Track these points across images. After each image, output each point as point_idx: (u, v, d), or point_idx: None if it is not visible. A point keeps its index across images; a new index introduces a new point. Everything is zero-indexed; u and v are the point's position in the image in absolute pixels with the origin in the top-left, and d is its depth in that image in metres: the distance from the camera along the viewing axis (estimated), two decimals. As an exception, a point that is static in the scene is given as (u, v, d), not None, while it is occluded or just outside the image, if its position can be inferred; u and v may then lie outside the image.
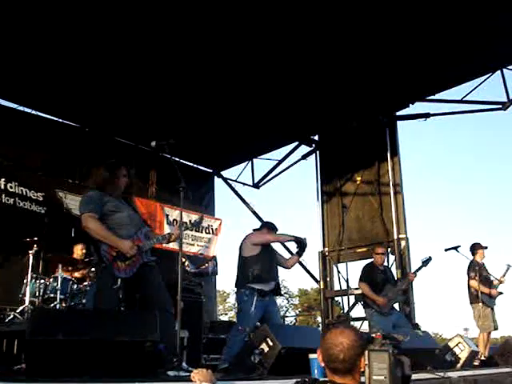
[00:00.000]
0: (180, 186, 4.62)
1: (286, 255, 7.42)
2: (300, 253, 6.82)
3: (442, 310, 68.89)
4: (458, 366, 6.63)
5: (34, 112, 10.65)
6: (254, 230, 6.98)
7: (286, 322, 31.13)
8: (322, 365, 2.62)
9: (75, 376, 2.80)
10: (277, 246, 7.10)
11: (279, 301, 44.45)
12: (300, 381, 2.63)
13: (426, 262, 8.09)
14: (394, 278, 8.61)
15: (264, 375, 4.24)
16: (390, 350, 2.34)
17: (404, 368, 2.48)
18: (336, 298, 12.41)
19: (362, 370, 2.41)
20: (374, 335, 2.54)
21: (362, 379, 2.42)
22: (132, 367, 3.35)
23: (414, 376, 4.73)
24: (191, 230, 11.72)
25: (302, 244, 6.74)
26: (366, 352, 2.35)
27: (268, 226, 6.91)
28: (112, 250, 4.61)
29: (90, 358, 3.26)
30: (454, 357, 6.72)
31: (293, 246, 7.07)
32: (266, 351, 4.43)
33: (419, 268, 8.15)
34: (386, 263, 8.82)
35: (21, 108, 10.45)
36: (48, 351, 3.28)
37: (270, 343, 4.42)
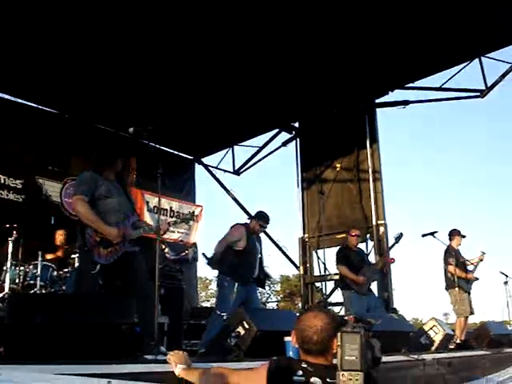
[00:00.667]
0: (157, 172, 4.63)
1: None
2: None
3: (421, 295, 69.65)
4: (433, 348, 6.75)
5: (12, 98, 10.54)
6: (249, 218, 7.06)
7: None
8: (296, 346, 2.70)
9: (53, 358, 2.85)
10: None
11: (261, 287, 44.65)
12: (275, 359, 2.70)
13: (398, 239, 8.30)
14: (368, 259, 8.78)
15: (240, 357, 4.33)
16: (361, 332, 2.40)
17: (374, 350, 2.54)
18: (317, 284, 12.53)
19: (335, 351, 2.47)
20: (346, 318, 2.61)
21: (334, 361, 2.49)
22: (109, 349, 3.40)
23: (390, 358, 4.86)
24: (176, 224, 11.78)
25: None
26: (339, 334, 2.41)
27: (256, 217, 6.98)
28: (96, 235, 4.64)
29: (68, 341, 3.32)
30: (429, 340, 6.85)
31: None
32: (242, 334, 4.51)
33: (392, 245, 8.33)
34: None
35: (0, 95, 10.35)
36: (26, 334, 3.32)
37: (246, 326, 4.50)
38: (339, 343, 2.39)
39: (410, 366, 5.05)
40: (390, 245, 8.42)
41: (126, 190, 5.21)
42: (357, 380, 2.34)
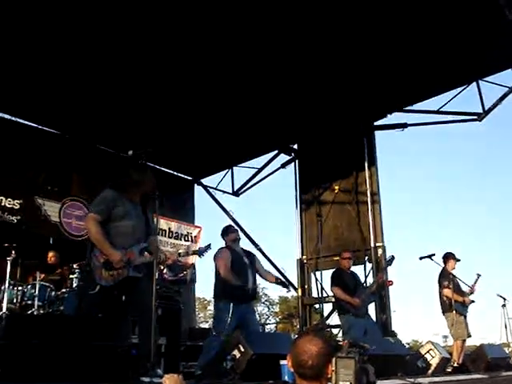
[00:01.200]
0: (155, 194, 4.68)
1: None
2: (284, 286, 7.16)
3: (422, 317, 69.31)
4: (429, 372, 6.75)
5: (13, 118, 10.61)
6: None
7: (267, 330, 31.15)
8: (292, 370, 2.71)
9: (49, 379, 2.87)
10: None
11: (260, 308, 44.52)
12: (272, 383, 2.71)
13: (389, 261, 8.47)
14: (361, 281, 8.71)
15: (235, 380, 4.33)
16: (356, 357, 2.43)
17: (369, 375, 2.57)
18: (316, 306, 12.51)
19: (329, 376, 2.49)
20: (341, 343, 2.63)
21: (329, 385, 2.51)
22: (105, 371, 3.42)
23: (386, 382, 4.85)
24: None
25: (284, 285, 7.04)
26: (334, 359, 2.43)
27: (225, 233, 7.04)
28: (101, 257, 4.67)
29: (63, 362, 3.33)
30: (426, 363, 6.85)
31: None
32: (237, 357, 4.52)
33: (384, 268, 8.39)
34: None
35: (0, 114, 10.42)
36: (22, 355, 3.33)
37: (242, 349, 4.51)
38: (334, 368, 2.41)
39: (406, 389, 5.04)
40: (383, 267, 8.45)
41: (147, 214, 5.15)
42: (351, 405, 2.36)
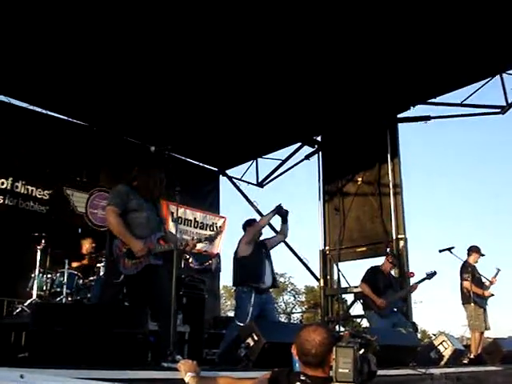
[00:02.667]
0: (176, 190, 4.89)
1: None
2: (284, 220, 7.19)
3: (450, 309, 68.89)
4: (442, 363, 6.86)
5: (43, 111, 10.87)
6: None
7: (293, 319, 31.23)
8: (297, 358, 2.91)
9: (73, 364, 3.10)
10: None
11: (286, 297, 44.67)
12: (276, 370, 2.91)
13: (430, 276, 8.41)
14: (397, 285, 8.80)
15: (248, 367, 4.54)
16: (355, 347, 2.60)
17: (370, 364, 2.73)
18: (343, 296, 12.66)
19: (332, 364, 2.67)
20: (342, 333, 2.81)
21: (331, 373, 2.68)
22: (125, 356, 3.65)
23: (397, 372, 5.01)
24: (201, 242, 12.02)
25: (281, 210, 7.08)
26: (334, 348, 2.61)
27: (250, 224, 7.20)
28: (123, 246, 4.91)
29: (87, 348, 3.59)
30: (438, 354, 6.96)
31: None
32: (251, 345, 4.73)
33: (422, 280, 8.43)
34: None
35: (31, 107, 10.69)
36: (48, 341, 3.60)
37: (255, 338, 4.72)
38: (334, 357, 2.59)
39: (417, 379, 5.19)
40: (420, 279, 8.51)
41: (156, 206, 5.42)
42: (350, 391, 2.53)
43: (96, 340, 3.66)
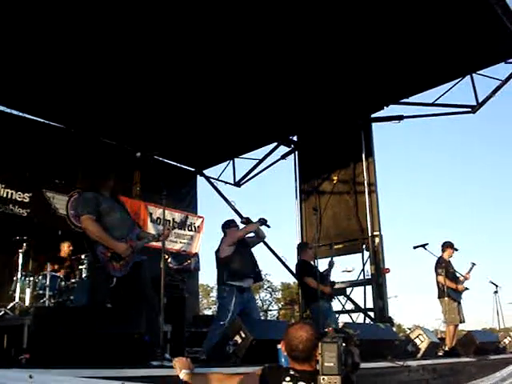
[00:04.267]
0: (163, 195, 5.04)
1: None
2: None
3: (425, 303, 69.92)
4: (418, 355, 7.11)
5: (20, 114, 10.87)
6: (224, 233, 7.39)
7: (269, 316, 31.38)
8: (285, 354, 3.09)
9: (73, 363, 3.25)
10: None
11: (262, 295, 44.93)
12: (267, 366, 3.09)
13: (330, 265, 8.76)
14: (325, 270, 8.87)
15: (237, 363, 4.72)
16: (338, 342, 2.78)
17: (354, 357, 2.91)
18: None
19: (318, 358, 2.85)
20: (326, 329, 3.00)
21: (318, 367, 2.86)
22: (123, 356, 3.80)
23: (375, 364, 5.22)
24: (178, 229, 12.08)
25: (265, 224, 7.33)
26: (319, 343, 2.80)
27: (232, 225, 7.37)
28: (107, 251, 5.01)
29: (87, 349, 3.74)
30: (415, 347, 7.21)
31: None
32: (239, 342, 4.92)
33: (328, 271, 8.65)
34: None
35: (7, 110, 10.68)
36: (49, 342, 3.74)
37: (243, 335, 4.92)
38: (320, 352, 2.78)
39: (395, 371, 5.40)
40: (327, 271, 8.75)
41: (121, 204, 5.54)
42: (335, 383, 2.72)
43: (94, 341, 3.81)
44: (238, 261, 6.94)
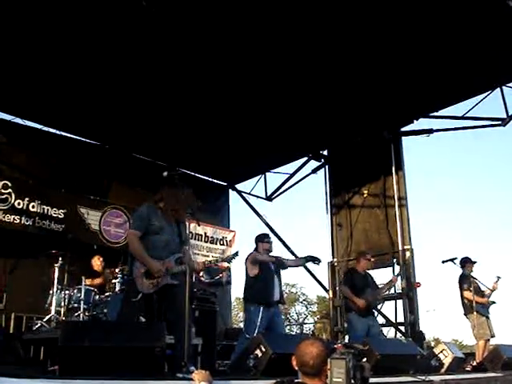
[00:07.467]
0: (192, 212, 5.23)
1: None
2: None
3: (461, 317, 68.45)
4: (442, 370, 7.09)
5: (56, 132, 11.26)
6: (256, 245, 7.56)
7: (305, 329, 31.23)
8: (296, 368, 3.22)
9: (98, 375, 3.44)
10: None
11: (298, 308, 44.75)
12: (279, 381, 3.22)
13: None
14: (374, 283, 8.87)
15: (256, 377, 4.85)
16: (347, 358, 2.90)
17: (364, 371, 3.02)
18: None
19: (327, 373, 2.98)
20: (335, 346, 3.12)
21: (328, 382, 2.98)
22: (145, 369, 3.98)
23: (397, 379, 5.28)
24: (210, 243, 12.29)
25: (315, 261, 7.51)
26: (329, 360, 2.92)
27: (259, 240, 7.57)
28: (142, 268, 5.24)
29: (111, 362, 3.94)
30: (439, 362, 7.20)
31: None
32: (259, 356, 5.06)
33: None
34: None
35: (45, 128, 11.09)
36: (77, 355, 3.95)
37: (263, 349, 5.06)
38: (329, 367, 2.90)
39: (417, 386, 5.42)
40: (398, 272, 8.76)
41: (179, 227, 5.63)
42: (343, 397, 2.84)
43: (118, 354, 4.00)
44: (263, 280, 7.17)
